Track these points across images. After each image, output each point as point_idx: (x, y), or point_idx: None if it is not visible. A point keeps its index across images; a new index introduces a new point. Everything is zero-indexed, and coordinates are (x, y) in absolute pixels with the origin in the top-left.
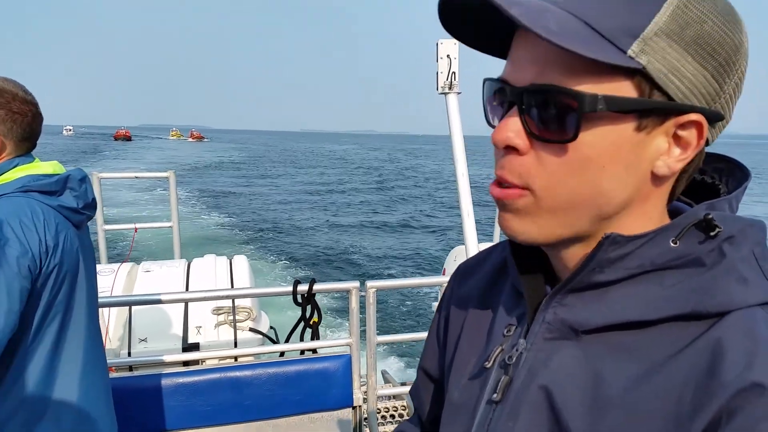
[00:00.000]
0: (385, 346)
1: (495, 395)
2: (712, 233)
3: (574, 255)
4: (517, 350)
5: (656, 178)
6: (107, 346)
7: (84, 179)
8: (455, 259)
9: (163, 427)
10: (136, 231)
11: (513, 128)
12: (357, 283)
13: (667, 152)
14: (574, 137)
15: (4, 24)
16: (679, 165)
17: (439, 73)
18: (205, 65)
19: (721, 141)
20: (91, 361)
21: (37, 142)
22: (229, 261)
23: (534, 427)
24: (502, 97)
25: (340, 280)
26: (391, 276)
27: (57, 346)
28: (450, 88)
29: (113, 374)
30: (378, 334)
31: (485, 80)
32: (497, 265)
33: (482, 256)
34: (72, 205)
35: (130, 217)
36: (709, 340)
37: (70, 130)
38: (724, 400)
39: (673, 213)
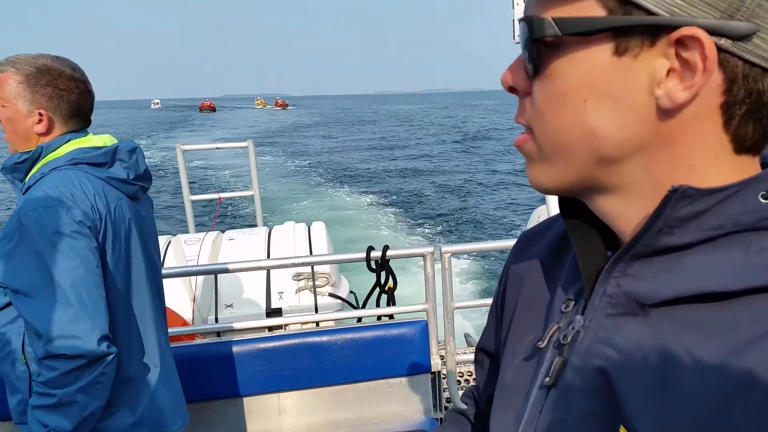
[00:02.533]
0: (465, 311)
1: (547, 379)
2: None
3: (619, 212)
4: (573, 328)
5: (667, 114)
6: (195, 313)
7: (134, 150)
8: (539, 218)
9: (248, 390)
10: (220, 200)
11: (515, 68)
12: (431, 248)
13: (670, 80)
14: (536, 69)
15: (88, 8)
16: (684, 95)
17: (515, 21)
18: (280, 32)
19: None
20: (152, 331)
21: (91, 117)
22: (307, 227)
23: (589, 418)
24: None
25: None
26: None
27: (114, 317)
28: None
29: (200, 340)
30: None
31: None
32: (559, 233)
33: (546, 223)
34: (122, 176)
35: (216, 186)
36: None
37: (157, 103)
38: None
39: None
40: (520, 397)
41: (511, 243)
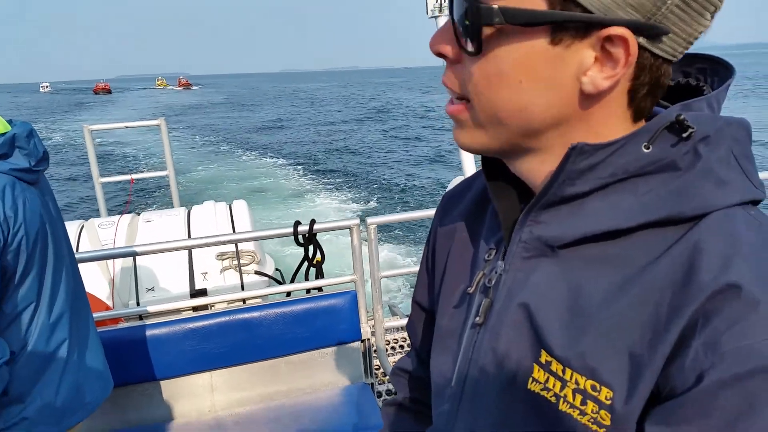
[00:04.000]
0: (390, 280)
1: (477, 318)
2: (684, 135)
3: (533, 169)
4: (496, 272)
5: (588, 97)
6: (114, 298)
7: (31, 133)
8: None
9: (179, 372)
10: (132, 182)
11: (446, 36)
12: (357, 221)
13: (594, 68)
14: (478, 50)
15: None
16: (606, 83)
17: None
18: (178, 8)
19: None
20: (76, 317)
21: None
22: (228, 206)
23: (515, 346)
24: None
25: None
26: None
27: (36, 311)
28: (441, 11)
29: (124, 324)
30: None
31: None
32: (480, 191)
33: (467, 183)
34: (23, 165)
35: (126, 168)
36: (686, 244)
37: (47, 87)
38: (700, 303)
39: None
40: (455, 339)
41: (431, 212)
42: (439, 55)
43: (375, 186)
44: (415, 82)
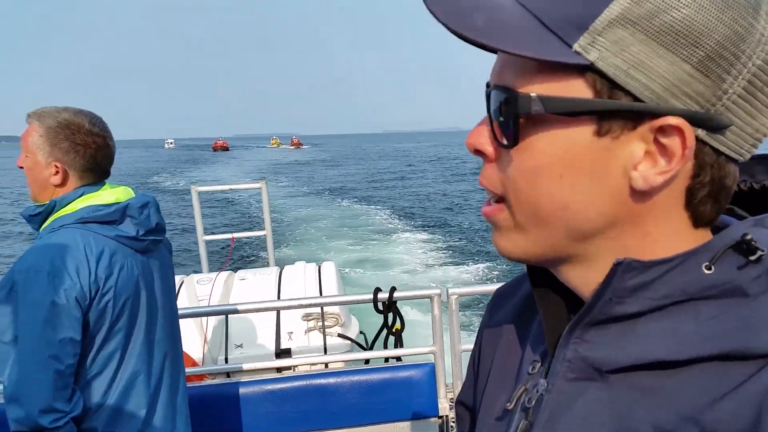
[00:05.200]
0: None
1: None
2: (753, 257)
3: (582, 279)
4: (537, 391)
5: (639, 194)
6: (206, 352)
7: (146, 205)
8: None
9: None
10: (233, 240)
11: (483, 133)
12: (438, 290)
13: (645, 162)
14: (515, 141)
15: (101, 50)
16: (659, 179)
17: None
18: (292, 71)
19: None
20: (163, 378)
21: (110, 169)
22: (318, 267)
23: None
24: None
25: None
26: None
27: (118, 371)
28: None
29: (210, 381)
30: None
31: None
32: (529, 291)
33: (519, 279)
34: (131, 233)
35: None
36: (755, 387)
37: (171, 143)
38: None
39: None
40: None
41: None
42: (476, 152)
43: (458, 256)
44: None
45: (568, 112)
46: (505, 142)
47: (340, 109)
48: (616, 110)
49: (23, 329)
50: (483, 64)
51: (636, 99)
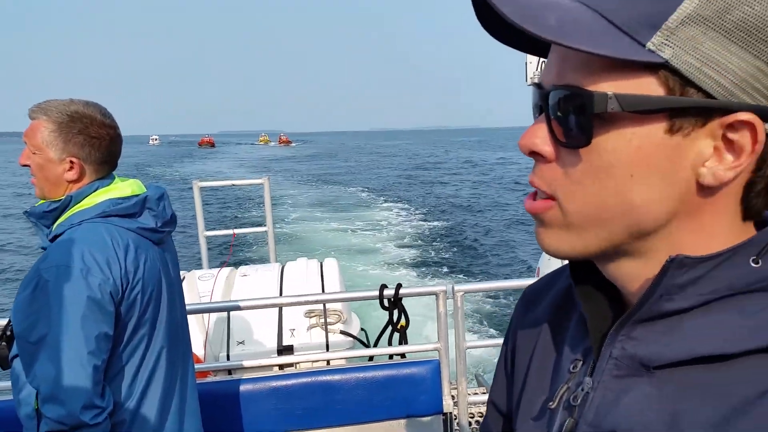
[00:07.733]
0: (478, 350)
1: None
2: None
3: (631, 275)
4: (582, 389)
5: (704, 189)
6: (207, 349)
7: (162, 197)
8: (550, 258)
9: (259, 429)
10: (234, 236)
11: (539, 134)
12: (444, 287)
13: (713, 158)
14: (587, 141)
15: (91, 39)
16: (729, 174)
17: (527, 63)
18: (278, 69)
19: None
20: (178, 372)
21: (118, 161)
22: (320, 264)
23: None
24: (536, 100)
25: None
26: (481, 277)
27: (142, 365)
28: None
29: (212, 378)
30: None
31: (531, 85)
32: (564, 290)
33: (549, 278)
34: (151, 225)
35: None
36: None
37: (156, 139)
38: None
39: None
40: None
41: (522, 283)
42: (531, 154)
43: (464, 248)
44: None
45: (643, 110)
46: (570, 141)
47: (327, 108)
48: (689, 107)
49: (58, 327)
50: (461, 65)
51: (707, 95)
